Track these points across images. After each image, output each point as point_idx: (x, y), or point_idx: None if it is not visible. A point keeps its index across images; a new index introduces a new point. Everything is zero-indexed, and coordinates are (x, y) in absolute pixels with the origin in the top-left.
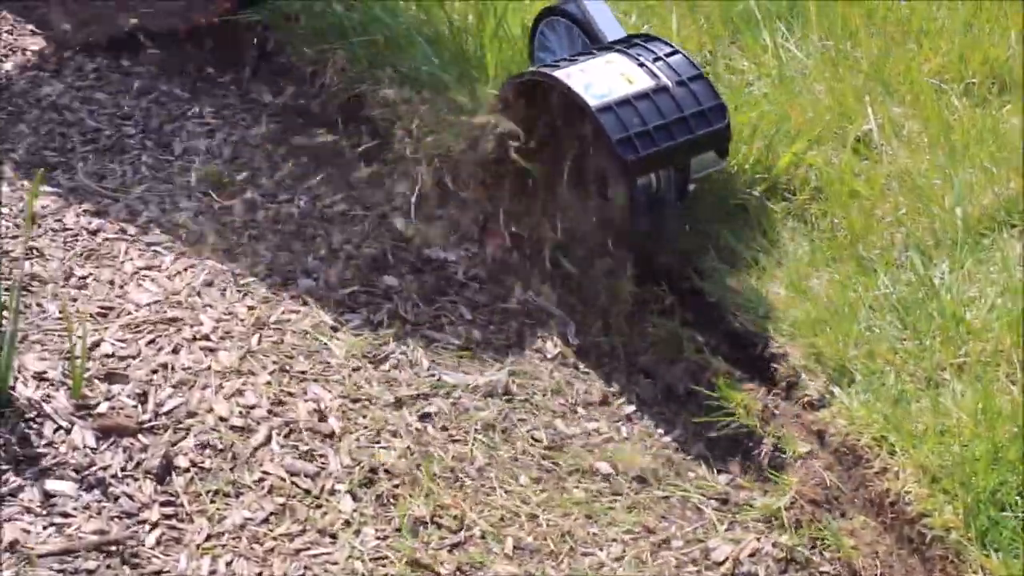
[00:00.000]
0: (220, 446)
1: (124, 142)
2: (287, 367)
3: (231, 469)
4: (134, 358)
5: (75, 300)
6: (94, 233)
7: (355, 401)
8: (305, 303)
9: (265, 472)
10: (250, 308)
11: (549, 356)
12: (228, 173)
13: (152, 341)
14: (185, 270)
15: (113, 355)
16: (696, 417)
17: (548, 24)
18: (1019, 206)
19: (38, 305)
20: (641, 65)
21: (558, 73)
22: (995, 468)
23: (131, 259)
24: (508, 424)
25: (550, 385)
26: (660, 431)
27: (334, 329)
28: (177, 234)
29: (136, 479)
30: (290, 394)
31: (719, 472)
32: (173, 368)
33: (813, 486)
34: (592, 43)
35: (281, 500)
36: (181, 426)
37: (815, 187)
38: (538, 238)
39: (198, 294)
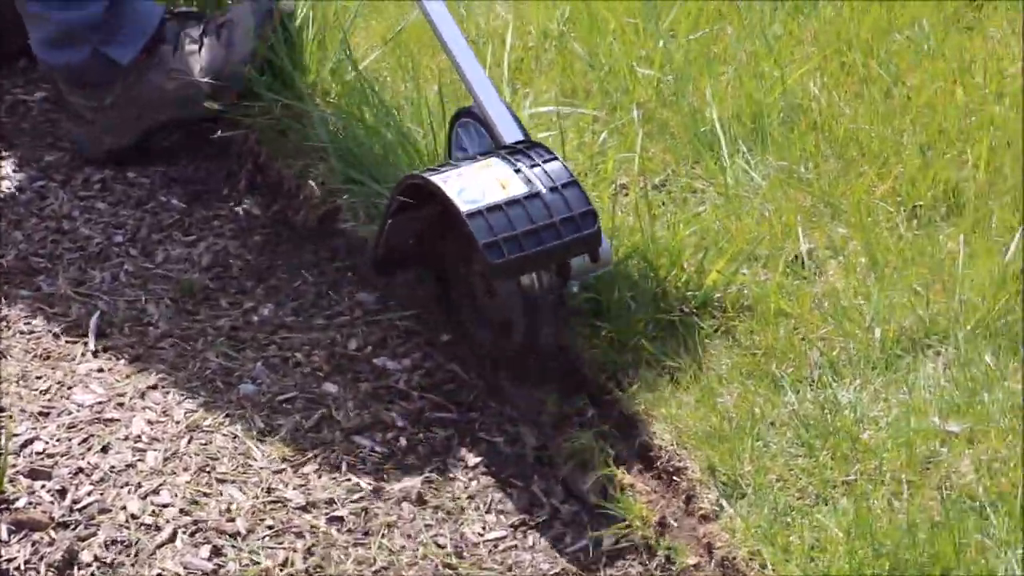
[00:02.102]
0: (126, 542)
1: (110, 250)
2: (208, 468)
3: (132, 564)
4: (63, 456)
5: (22, 399)
6: (57, 336)
7: (267, 503)
8: (241, 407)
9: (164, 568)
10: (188, 411)
11: (471, 465)
12: (202, 281)
13: (85, 440)
14: (135, 374)
15: (44, 453)
16: (602, 528)
17: (461, 125)
18: (939, 327)
19: None
20: (517, 171)
21: (435, 178)
22: None
23: (86, 362)
24: (414, 530)
25: (465, 493)
26: (567, 540)
27: (264, 433)
28: (136, 339)
29: (38, 572)
30: (205, 494)
31: None
32: (98, 467)
33: None
34: (495, 145)
35: None
36: (93, 522)
37: (746, 305)
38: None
39: (141, 396)
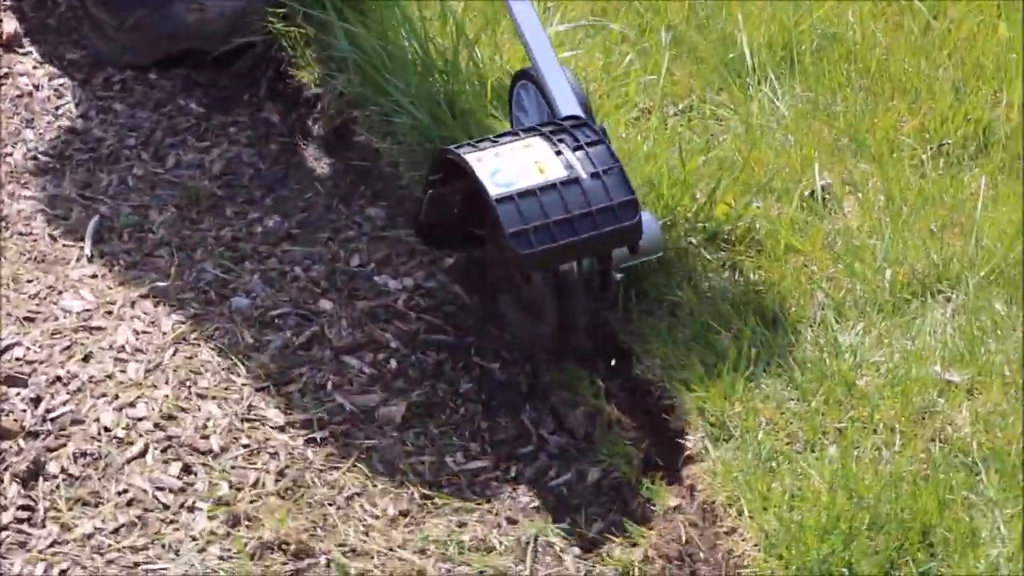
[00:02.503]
0: (95, 455)
1: (121, 153)
2: (189, 383)
3: (99, 479)
4: (43, 363)
5: (10, 302)
6: (54, 239)
7: (244, 420)
8: (232, 321)
9: (131, 484)
10: (177, 323)
11: (461, 391)
12: (211, 189)
13: (67, 348)
14: (128, 282)
15: (23, 359)
16: (587, 463)
17: (522, 86)
18: (951, 272)
19: None
20: (559, 153)
21: (470, 156)
22: (828, 537)
23: (80, 267)
24: (393, 455)
25: (451, 420)
26: (551, 474)
27: (251, 349)
28: (134, 246)
29: (2, 482)
30: (183, 409)
31: (594, 519)
32: (76, 376)
33: (670, 541)
34: (551, 112)
35: (137, 513)
36: (64, 433)
37: (757, 239)
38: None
39: (131, 305)
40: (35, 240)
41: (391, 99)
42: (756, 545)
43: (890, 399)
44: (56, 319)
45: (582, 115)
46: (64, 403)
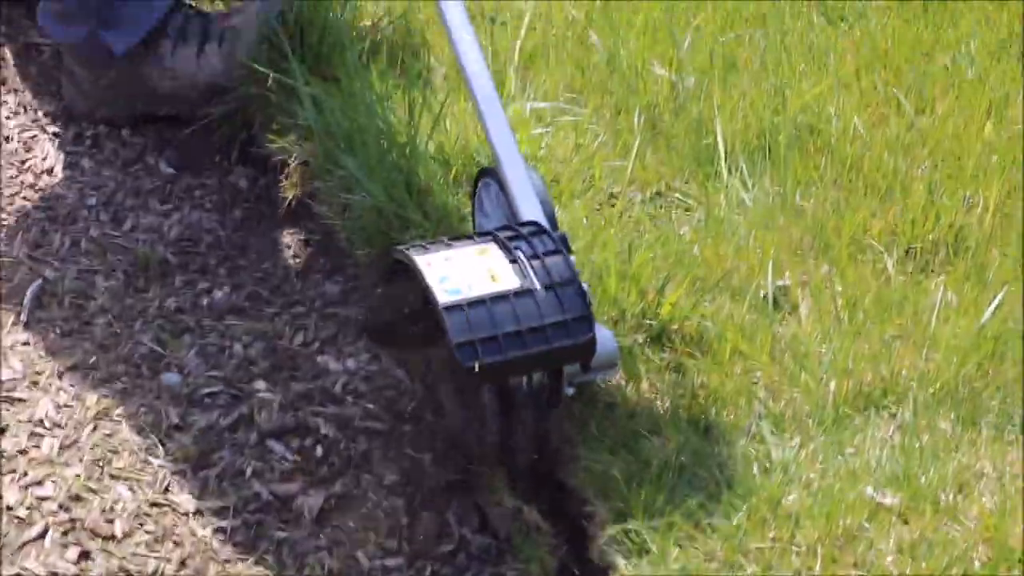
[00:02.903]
0: None
1: (79, 213)
2: (103, 462)
3: None
4: None
5: None
6: None
7: (154, 505)
8: (159, 398)
9: (24, 568)
10: (101, 397)
11: (386, 483)
12: (164, 255)
13: None
14: (60, 351)
15: None
16: (505, 569)
17: (484, 185)
18: (899, 387)
19: None
20: (514, 261)
21: (419, 259)
22: None
23: (14, 333)
24: (304, 549)
25: (371, 513)
26: None
27: (174, 429)
28: (72, 313)
29: None
30: (91, 490)
31: None
32: None
33: None
34: (512, 215)
35: None
36: None
37: (705, 340)
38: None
39: (59, 376)
40: None
41: (350, 173)
42: None
43: (816, 520)
44: None
45: (543, 222)
46: None
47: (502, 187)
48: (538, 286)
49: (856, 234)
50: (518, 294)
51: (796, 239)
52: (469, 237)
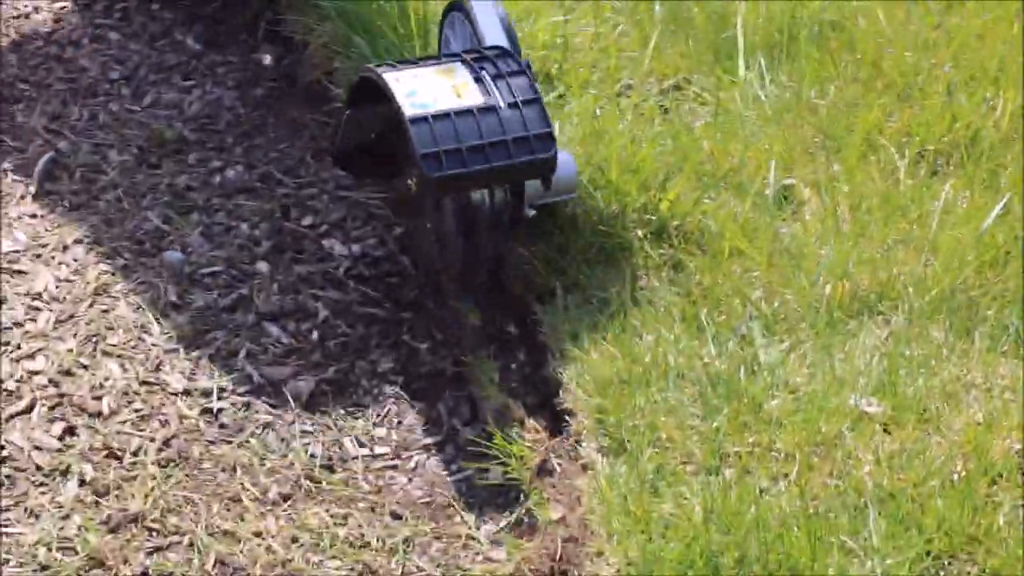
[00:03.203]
0: None
1: (100, 86)
2: (98, 339)
3: None
4: None
5: None
6: (5, 173)
7: (144, 384)
8: (160, 275)
9: (8, 440)
10: (102, 273)
11: (380, 371)
12: (182, 131)
13: None
14: (66, 224)
15: None
16: (490, 460)
17: (448, 21)
18: (895, 291)
19: None
20: (478, 80)
21: (388, 75)
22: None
23: (22, 204)
24: (289, 434)
25: (361, 400)
26: (452, 468)
27: (171, 307)
28: (82, 187)
29: None
30: (83, 366)
31: (484, 522)
32: None
33: (544, 556)
34: (479, 43)
35: (7, 472)
36: None
37: (704, 238)
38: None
39: (62, 249)
40: None
41: (362, 54)
42: (618, 572)
43: (797, 426)
44: None
45: (506, 46)
46: None
47: (468, 18)
48: (502, 104)
49: (870, 134)
50: (482, 110)
51: (807, 137)
52: (436, 58)
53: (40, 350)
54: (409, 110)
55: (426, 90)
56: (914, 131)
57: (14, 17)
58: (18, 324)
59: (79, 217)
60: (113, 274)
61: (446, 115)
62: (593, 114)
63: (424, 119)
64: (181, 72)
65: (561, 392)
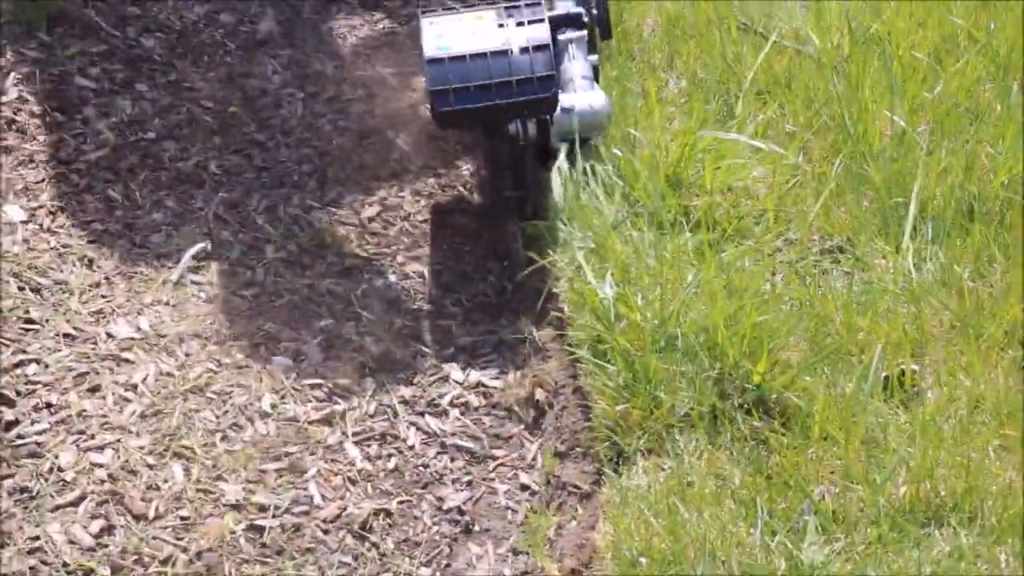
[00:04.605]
0: (33, 492)
1: (291, 177)
2: (173, 438)
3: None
4: (45, 386)
5: (65, 314)
6: (157, 257)
7: (200, 491)
8: (261, 379)
9: (46, 532)
10: (205, 372)
11: (444, 508)
12: (351, 234)
13: (81, 375)
14: (191, 316)
15: (29, 378)
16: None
17: None
18: (971, 504)
19: None
20: (501, 26)
21: (425, 20)
22: None
23: (160, 290)
24: (328, 563)
25: (414, 537)
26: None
27: (260, 415)
28: (224, 281)
29: None
30: (148, 465)
31: None
32: (67, 407)
33: None
34: None
35: (33, 563)
36: (18, 463)
37: (802, 413)
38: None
39: (179, 342)
40: (138, 251)
41: None
42: None
43: None
44: (94, 343)
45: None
46: (38, 432)
47: None
48: (515, 48)
49: (1015, 327)
50: (495, 53)
51: (945, 321)
52: (477, 5)
53: (112, 443)
54: (429, 52)
55: (453, 34)
56: None
57: (247, 96)
58: (102, 415)
59: (208, 311)
60: (216, 372)
61: (462, 57)
62: (737, 267)
63: (440, 60)
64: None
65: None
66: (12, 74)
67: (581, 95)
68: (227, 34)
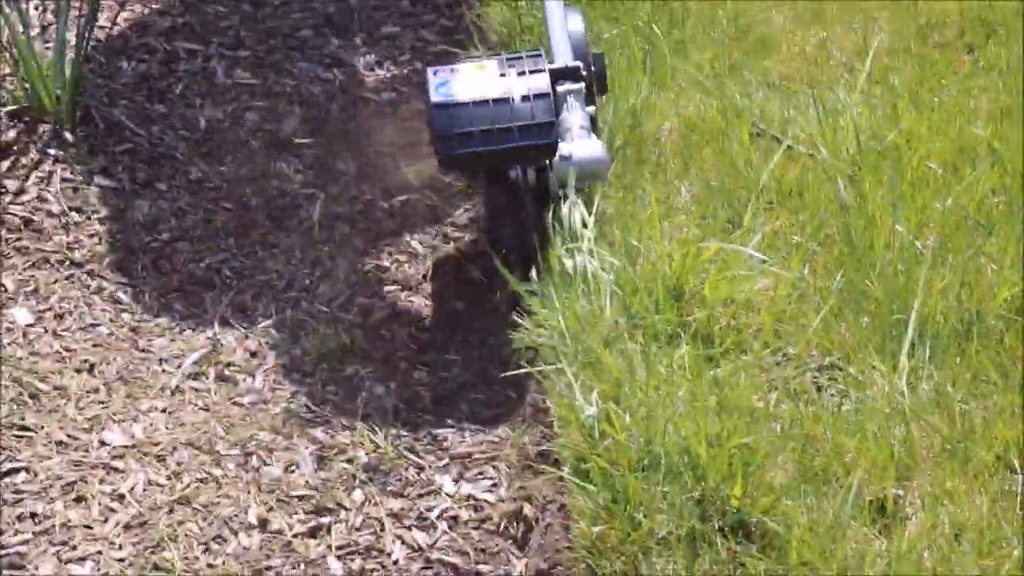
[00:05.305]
0: None
1: (301, 282)
2: (155, 551)
3: None
4: (32, 495)
5: (60, 420)
6: (160, 362)
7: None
8: (249, 491)
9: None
10: (195, 481)
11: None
12: (351, 340)
13: (69, 484)
14: (187, 424)
15: (15, 486)
16: None
17: None
18: None
19: None
20: (503, 76)
21: (431, 70)
22: None
23: (159, 397)
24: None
25: None
26: None
27: (246, 527)
28: (224, 387)
29: None
30: None
31: None
32: (51, 517)
33: None
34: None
35: None
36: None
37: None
38: None
39: (171, 451)
40: (140, 355)
41: None
42: None
43: None
44: (86, 451)
45: (569, 60)
46: (20, 543)
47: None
48: (516, 96)
49: (1007, 451)
50: (497, 101)
51: (936, 444)
52: (479, 58)
53: (93, 555)
54: (434, 98)
55: (456, 83)
56: None
57: (264, 197)
58: (87, 526)
59: (204, 419)
60: (205, 483)
61: (465, 104)
62: (731, 383)
63: (445, 106)
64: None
65: None
66: (34, 172)
67: (579, 143)
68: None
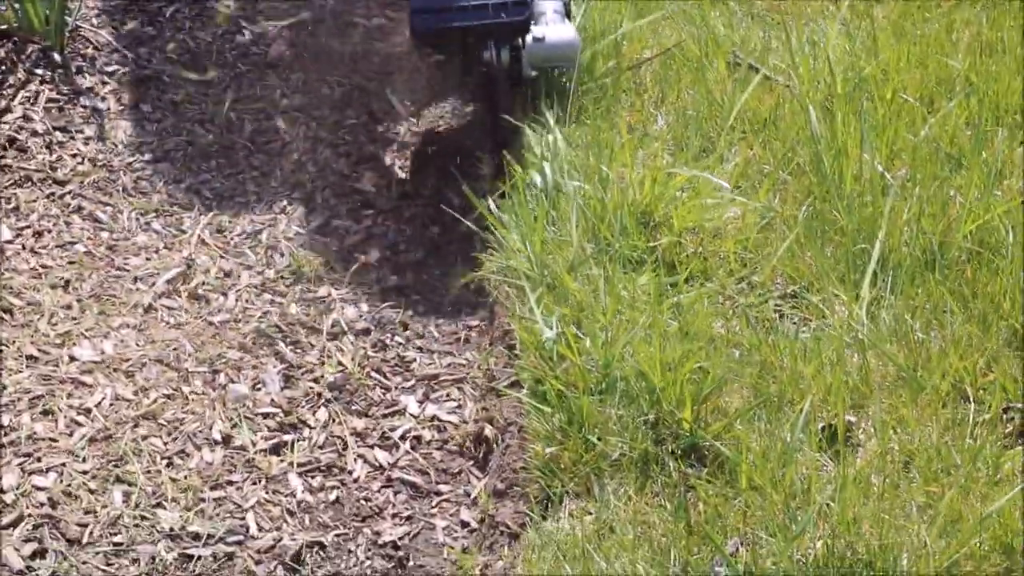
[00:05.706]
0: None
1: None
2: (119, 464)
3: None
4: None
5: (34, 336)
6: (135, 280)
7: (138, 517)
8: (214, 407)
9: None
10: (160, 397)
11: (380, 543)
12: (315, 269)
13: (37, 397)
14: (156, 342)
15: None
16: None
17: None
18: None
19: None
20: None
21: None
22: None
23: (132, 314)
24: None
25: (344, 571)
26: None
27: (210, 443)
28: (197, 306)
29: None
30: (89, 490)
31: None
32: (17, 430)
33: None
34: None
35: None
36: None
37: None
38: None
39: (140, 367)
40: (116, 273)
41: None
42: None
43: None
44: (56, 365)
45: None
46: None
47: None
48: None
49: (961, 381)
50: None
51: (891, 373)
52: None
53: (56, 467)
54: None
55: None
56: (1008, 386)
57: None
58: (51, 438)
59: (174, 337)
60: (171, 399)
61: None
62: (694, 310)
63: None
64: None
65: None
66: (21, 92)
67: (552, 27)
68: (240, 55)
